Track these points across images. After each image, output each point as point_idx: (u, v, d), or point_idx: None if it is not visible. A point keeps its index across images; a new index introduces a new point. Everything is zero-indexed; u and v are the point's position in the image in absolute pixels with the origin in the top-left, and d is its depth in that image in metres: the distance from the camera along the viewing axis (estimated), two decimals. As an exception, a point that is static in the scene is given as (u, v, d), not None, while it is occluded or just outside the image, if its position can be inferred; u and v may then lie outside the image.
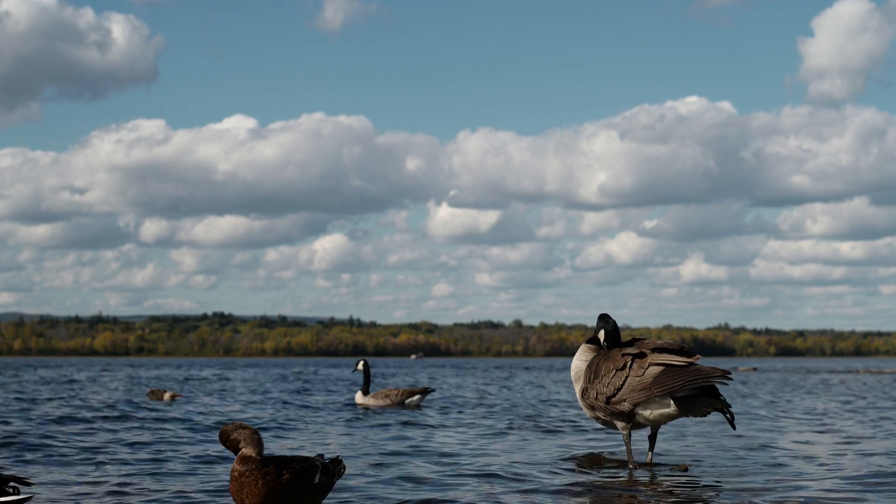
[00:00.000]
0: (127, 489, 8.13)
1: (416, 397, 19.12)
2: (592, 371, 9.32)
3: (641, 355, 9.09)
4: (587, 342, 9.66)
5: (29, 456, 10.29)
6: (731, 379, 8.88)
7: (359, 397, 19.44)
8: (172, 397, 21.89)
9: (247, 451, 6.21)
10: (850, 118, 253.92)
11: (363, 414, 17.17)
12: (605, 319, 9.46)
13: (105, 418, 15.64)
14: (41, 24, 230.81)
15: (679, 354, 9.05)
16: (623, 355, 9.15)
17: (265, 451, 6.47)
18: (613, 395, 9.11)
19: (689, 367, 8.90)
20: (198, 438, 12.40)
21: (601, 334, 9.49)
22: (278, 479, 6.15)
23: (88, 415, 16.32)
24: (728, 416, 9.07)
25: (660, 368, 8.95)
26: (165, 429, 13.71)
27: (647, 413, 9.12)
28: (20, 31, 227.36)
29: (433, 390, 19.98)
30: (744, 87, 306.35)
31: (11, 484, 6.09)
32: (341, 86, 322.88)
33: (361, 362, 20.13)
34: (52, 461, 9.95)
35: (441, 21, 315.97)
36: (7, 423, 14.30)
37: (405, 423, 14.76)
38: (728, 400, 9.14)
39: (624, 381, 9.06)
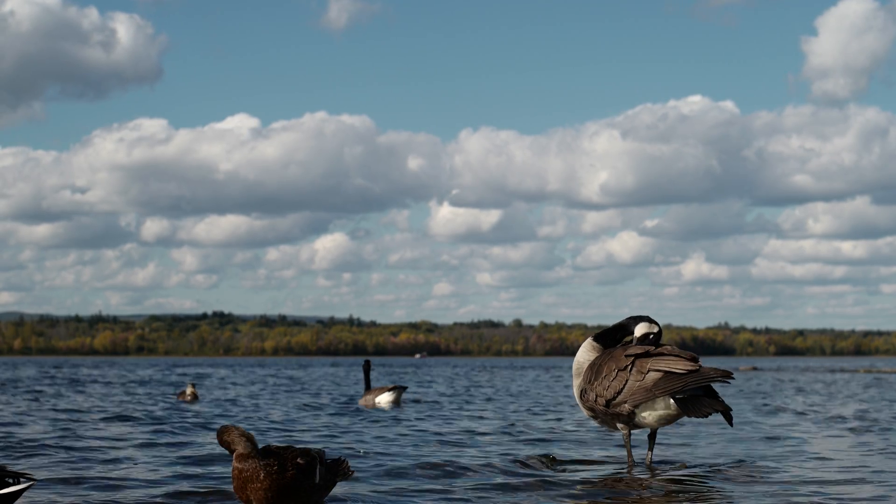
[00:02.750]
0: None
1: (387, 395, 19.42)
2: (593, 372, 9.24)
3: (643, 356, 9.02)
4: (593, 339, 9.57)
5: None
6: (732, 378, 8.85)
7: (361, 398, 20.17)
8: (194, 394, 21.59)
9: (240, 449, 6.18)
10: (852, 117, 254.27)
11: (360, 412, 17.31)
12: (650, 321, 9.32)
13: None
14: (45, 23, 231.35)
15: (682, 360, 8.97)
16: (626, 356, 9.07)
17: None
18: (613, 399, 9.05)
19: (691, 373, 8.84)
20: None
21: (639, 330, 9.26)
22: (283, 475, 6.10)
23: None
24: (728, 416, 9.05)
25: (660, 375, 8.88)
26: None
27: (646, 415, 9.07)
28: (24, 31, 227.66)
29: (406, 388, 20.38)
30: (746, 87, 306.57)
31: (9, 479, 6.11)
32: (344, 85, 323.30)
33: (365, 363, 20.68)
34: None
35: (443, 21, 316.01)
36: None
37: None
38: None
39: (624, 384, 9.00)
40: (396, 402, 19.45)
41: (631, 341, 9.39)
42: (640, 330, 9.31)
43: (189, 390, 21.63)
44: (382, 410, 17.91)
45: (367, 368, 20.26)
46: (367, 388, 19.95)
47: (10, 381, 35.98)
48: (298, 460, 6.20)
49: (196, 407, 18.90)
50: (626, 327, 9.43)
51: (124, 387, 30.72)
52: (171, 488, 7.81)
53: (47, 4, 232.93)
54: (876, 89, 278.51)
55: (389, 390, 19.52)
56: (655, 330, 9.29)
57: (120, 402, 20.79)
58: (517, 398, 23.81)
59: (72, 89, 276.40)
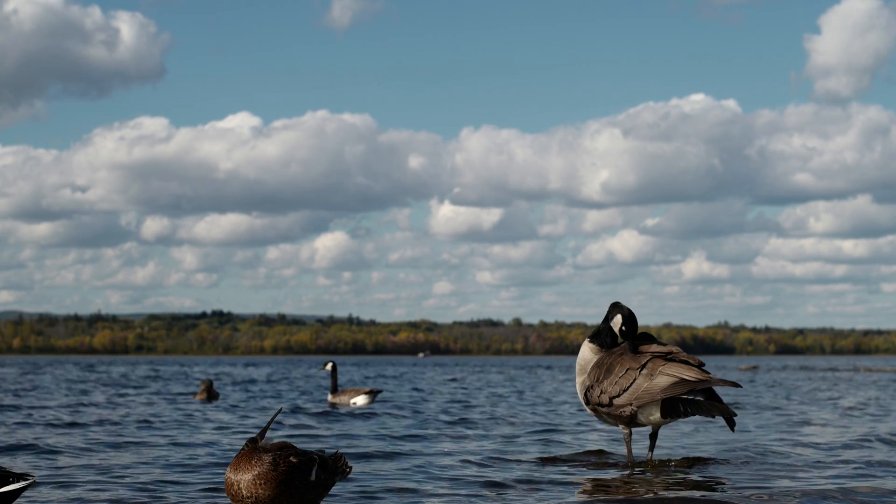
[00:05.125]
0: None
1: (362, 397, 20.17)
2: (602, 371, 9.21)
3: (656, 360, 8.99)
4: (590, 341, 9.50)
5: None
6: (739, 387, 8.88)
7: (329, 396, 20.83)
8: (206, 391, 21.27)
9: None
10: (854, 116, 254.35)
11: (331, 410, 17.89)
12: (619, 306, 9.27)
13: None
14: (47, 22, 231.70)
15: (692, 367, 8.94)
16: (636, 360, 9.04)
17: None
18: (618, 396, 9.02)
19: (700, 381, 8.83)
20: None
21: (618, 319, 9.26)
22: (273, 470, 6.03)
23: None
24: (731, 421, 9.04)
25: (671, 380, 8.87)
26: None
27: (648, 415, 9.06)
28: (27, 30, 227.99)
29: (381, 391, 21.19)
30: (749, 85, 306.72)
31: (11, 479, 6.10)
32: (345, 84, 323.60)
33: (329, 364, 21.51)
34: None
35: (445, 20, 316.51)
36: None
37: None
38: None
39: (630, 384, 8.97)
40: (371, 404, 20.21)
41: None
42: (616, 323, 9.26)
43: (202, 386, 21.39)
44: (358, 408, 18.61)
45: (334, 370, 21.12)
46: (335, 388, 20.66)
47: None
48: (290, 458, 6.13)
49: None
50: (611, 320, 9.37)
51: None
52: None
53: (50, 3, 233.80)
54: (878, 88, 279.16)
55: (366, 393, 20.26)
56: (626, 312, 9.21)
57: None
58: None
59: (74, 88, 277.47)
